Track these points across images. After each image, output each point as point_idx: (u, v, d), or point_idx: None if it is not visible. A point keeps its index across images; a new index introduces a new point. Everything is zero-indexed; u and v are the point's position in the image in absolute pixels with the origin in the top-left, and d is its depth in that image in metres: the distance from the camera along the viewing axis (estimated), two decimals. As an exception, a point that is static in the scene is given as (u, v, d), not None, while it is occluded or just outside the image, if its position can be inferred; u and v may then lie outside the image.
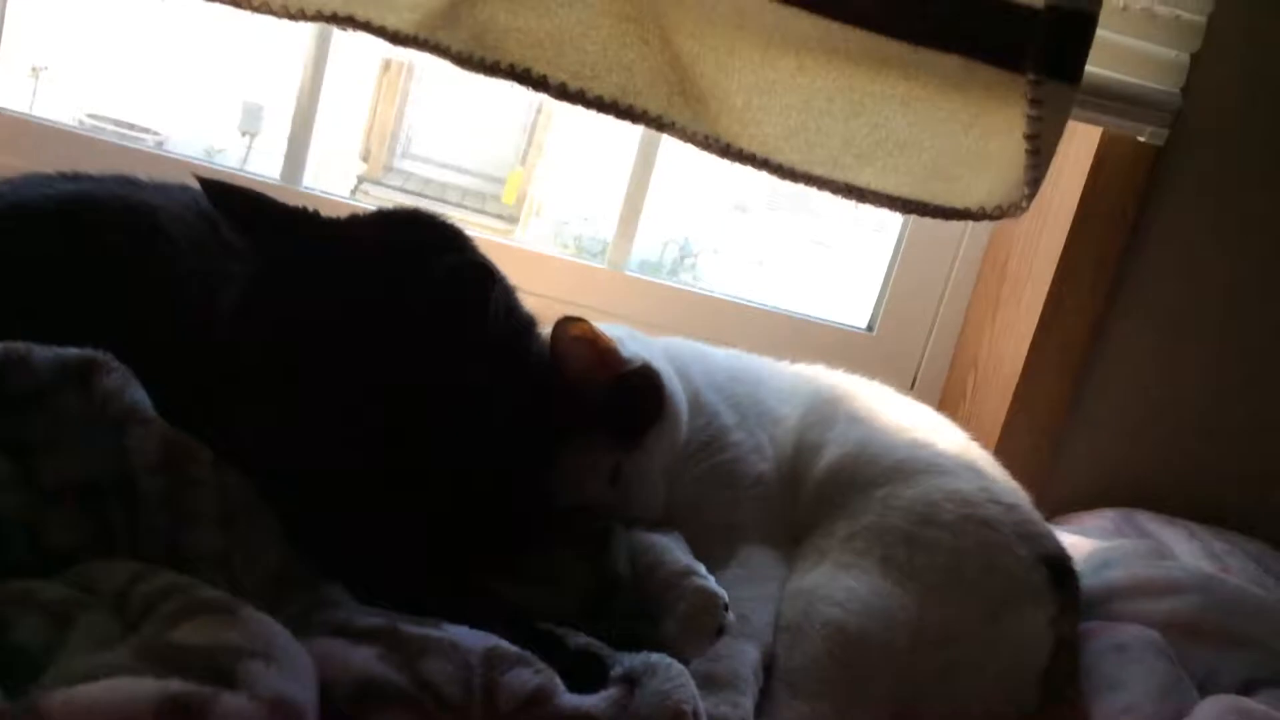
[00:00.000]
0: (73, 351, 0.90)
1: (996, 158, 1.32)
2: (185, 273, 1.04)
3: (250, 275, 0.97)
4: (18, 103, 1.69)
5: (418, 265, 0.93)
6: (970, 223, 1.38)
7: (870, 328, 1.77)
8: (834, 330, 1.77)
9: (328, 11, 1.26)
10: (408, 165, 5.01)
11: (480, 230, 1.76)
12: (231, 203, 0.99)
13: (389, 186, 4.87)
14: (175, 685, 0.64)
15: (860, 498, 1.19)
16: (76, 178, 1.15)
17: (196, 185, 1.06)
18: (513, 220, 4.49)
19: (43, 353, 0.89)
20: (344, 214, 1.05)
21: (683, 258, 4.40)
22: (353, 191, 4.50)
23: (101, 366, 0.89)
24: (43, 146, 1.62)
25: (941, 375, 1.75)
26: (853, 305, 1.83)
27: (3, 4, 1.63)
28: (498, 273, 1.00)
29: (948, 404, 1.71)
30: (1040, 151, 1.28)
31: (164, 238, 1.05)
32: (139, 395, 0.89)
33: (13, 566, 0.82)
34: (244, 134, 4.34)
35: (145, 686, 0.63)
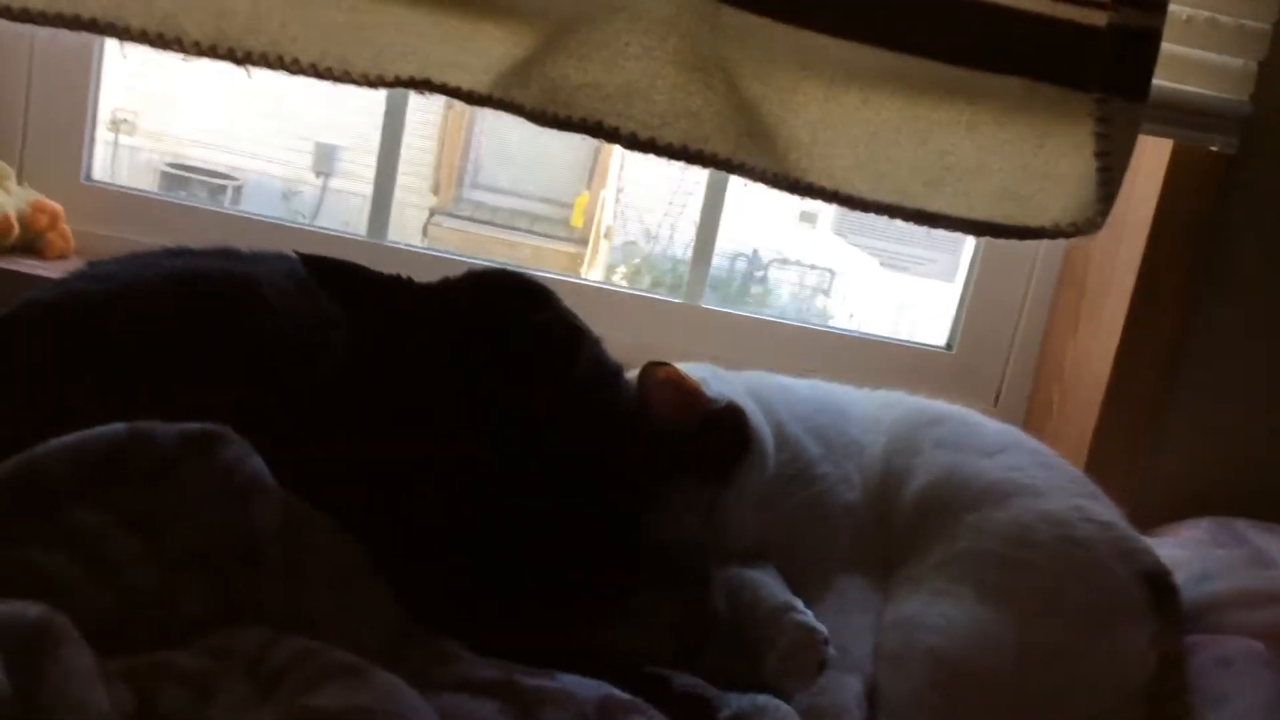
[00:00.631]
0: (194, 426, 0.94)
1: (1068, 177, 1.32)
2: (289, 343, 1.09)
3: (351, 345, 1.02)
4: (100, 154, 1.77)
5: (509, 327, 0.97)
6: (1045, 240, 1.38)
7: (949, 346, 1.78)
8: (913, 351, 1.78)
9: (405, 77, 1.31)
10: (477, 195, 5.10)
11: (550, 254, 1.79)
12: (332, 277, 1.04)
13: (460, 217, 4.96)
14: (317, 750, 0.68)
15: (952, 523, 1.20)
16: (180, 253, 1.21)
17: (291, 254, 1.12)
18: (582, 243, 4.54)
19: (165, 429, 0.94)
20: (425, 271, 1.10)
21: (752, 271, 4.41)
22: (425, 225, 4.60)
23: (222, 439, 0.94)
24: (134, 211, 1.71)
25: (1025, 392, 1.74)
26: (929, 320, 1.83)
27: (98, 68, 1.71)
28: (585, 328, 1.04)
29: (1033, 421, 1.71)
30: (1111, 169, 1.28)
31: (267, 309, 1.10)
32: (258, 465, 0.93)
33: (151, 637, 0.87)
34: (318, 174, 4.47)
35: (291, 753, 0.68)
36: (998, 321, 1.74)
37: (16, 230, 1.65)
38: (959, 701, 1.05)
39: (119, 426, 0.92)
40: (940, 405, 1.37)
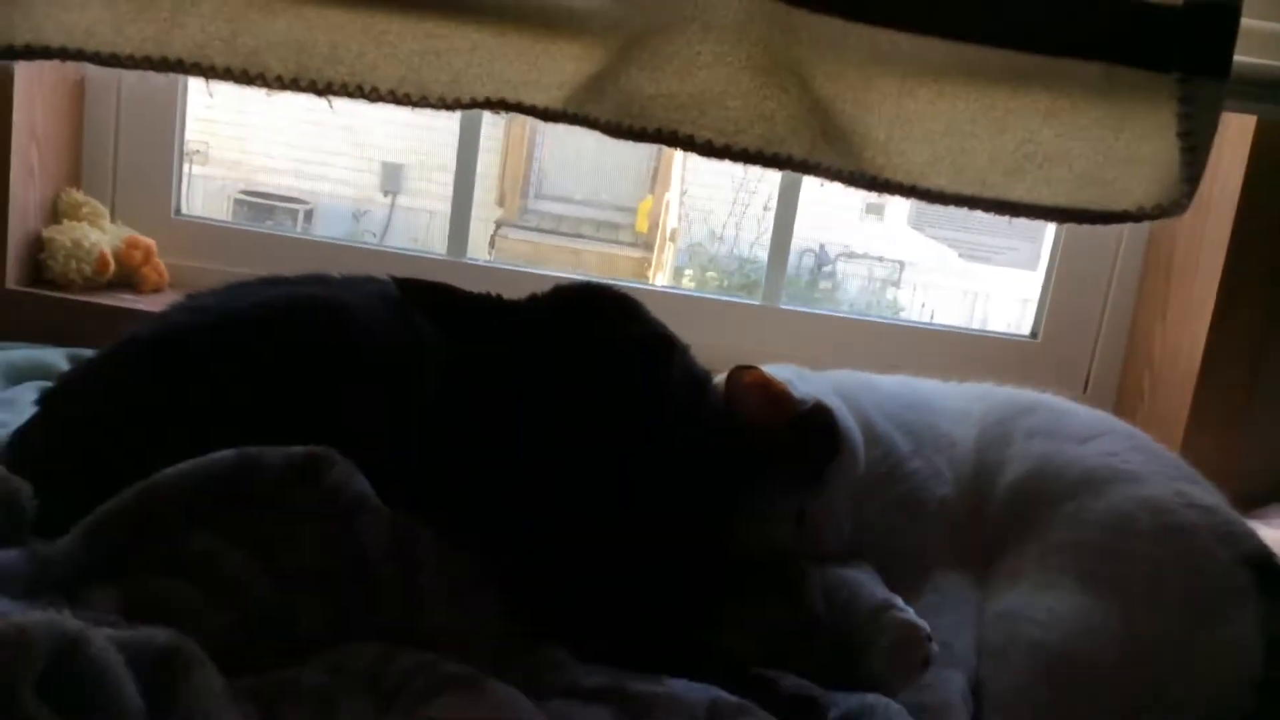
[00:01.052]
0: (299, 450, 0.97)
1: (1151, 159, 1.30)
2: (385, 365, 1.11)
3: (444, 364, 1.04)
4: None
5: (599, 342, 0.98)
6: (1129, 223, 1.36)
7: (1034, 335, 1.76)
8: (997, 341, 1.77)
9: (481, 98, 1.34)
10: (542, 205, 5.16)
11: (617, 259, 1.81)
12: (423, 298, 1.06)
13: (525, 228, 5.02)
14: (440, 761, 0.70)
15: (1049, 513, 1.19)
16: (275, 281, 1.24)
17: (383, 277, 1.15)
18: (647, 248, 4.56)
19: (273, 453, 0.96)
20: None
21: (819, 265, 4.38)
22: (492, 237, 4.65)
23: (326, 461, 0.96)
24: (220, 242, 1.76)
25: (1115, 377, 1.72)
26: (1010, 309, 1.81)
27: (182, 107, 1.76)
28: (674, 337, 1.05)
29: (1125, 406, 1.69)
30: (1195, 149, 1.26)
31: (361, 332, 1.13)
32: (363, 485, 0.95)
33: (271, 656, 0.90)
34: (385, 194, 4.54)
35: (416, 765, 0.69)
36: (1084, 308, 1.72)
37: (113, 266, 1.71)
38: (1065, 694, 1.04)
39: (228, 453, 0.95)
40: (1030, 394, 1.36)
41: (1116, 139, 1.31)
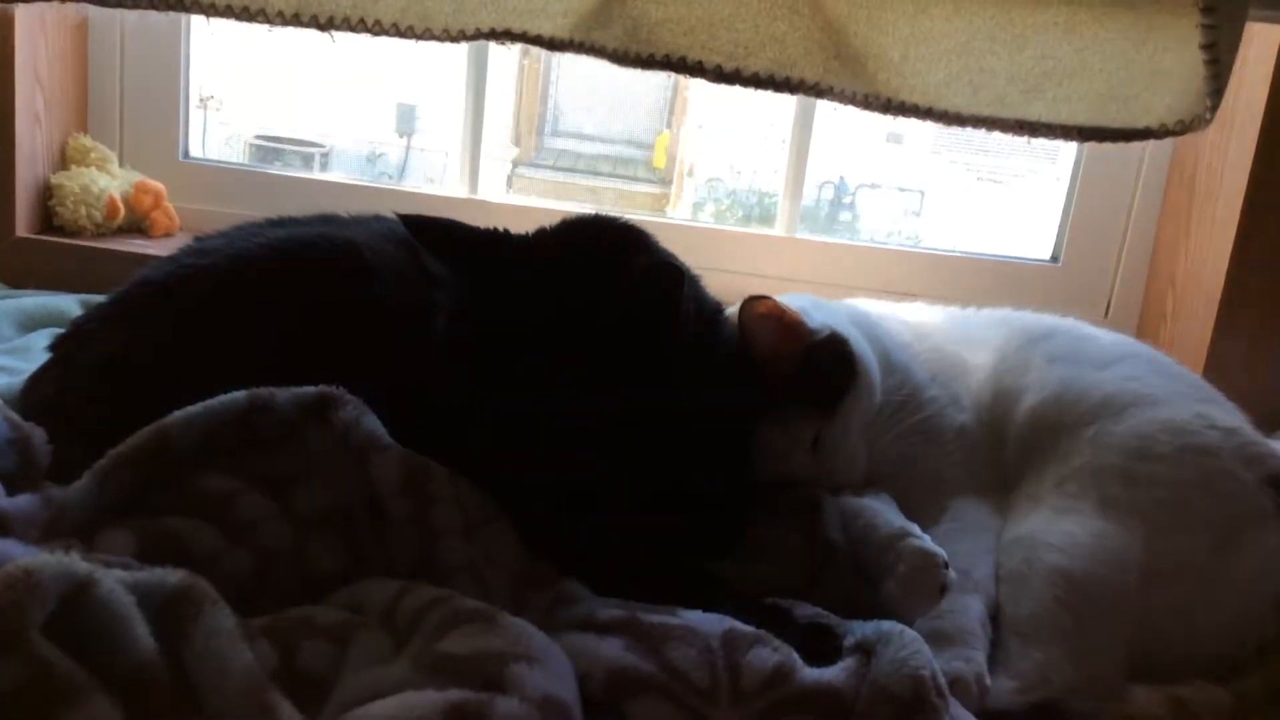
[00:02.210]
0: (310, 390, 0.97)
1: (1173, 73, 1.27)
2: (393, 302, 1.11)
3: (453, 300, 1.03)
4: (193, 133, 1.82)
5: (608, 273, 0.97)
6: (1151, 141, 1.33)
7: (1055, 259, 1.73)
8: (1017, 266, 1.74)
9: (485, 29, 1.31)
10: (558, 143, 5.12)
11: (635, 196, 1.79)
12: (431, 234, 1.05)
13: (542, 166, 4.98)
14: (455, 694, 0.70)
15: (1069, 439, 1.18)
16: (283, 223, 1.23)
17: (390, 214, 1.14)
18: (665, 183, 4.52)
19: (284, 394, 0.96)
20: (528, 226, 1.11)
21: (839, 198, 4.34)
22: (509, 176, 4.62)
23: (337, 401, 0.96)
24: (230, 184, 1.75)
25: (1137, 300, 1.69)
26: (1030, 236, 1.79)
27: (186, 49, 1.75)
28: (684, 268, 1.03)
29: (1147, 328, 1.66)
30: (1219, 61, 1.22)
31: (370, 272, 1.12)
32: (374, 424, 0.95)
33: (287, 594, 0.90)
34: (401, 135, 4.51)
35: (430, 699, 0.69)
36: (1105, 230, 1.69)
37: (123, 212, 1.71)
38: (1084, 619, 1.04)
39: (239, 395, 0.95)
40: (1050, 319, 1.34)
41: (1138, 53, 1.27)
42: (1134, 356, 1.27)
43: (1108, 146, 1.32)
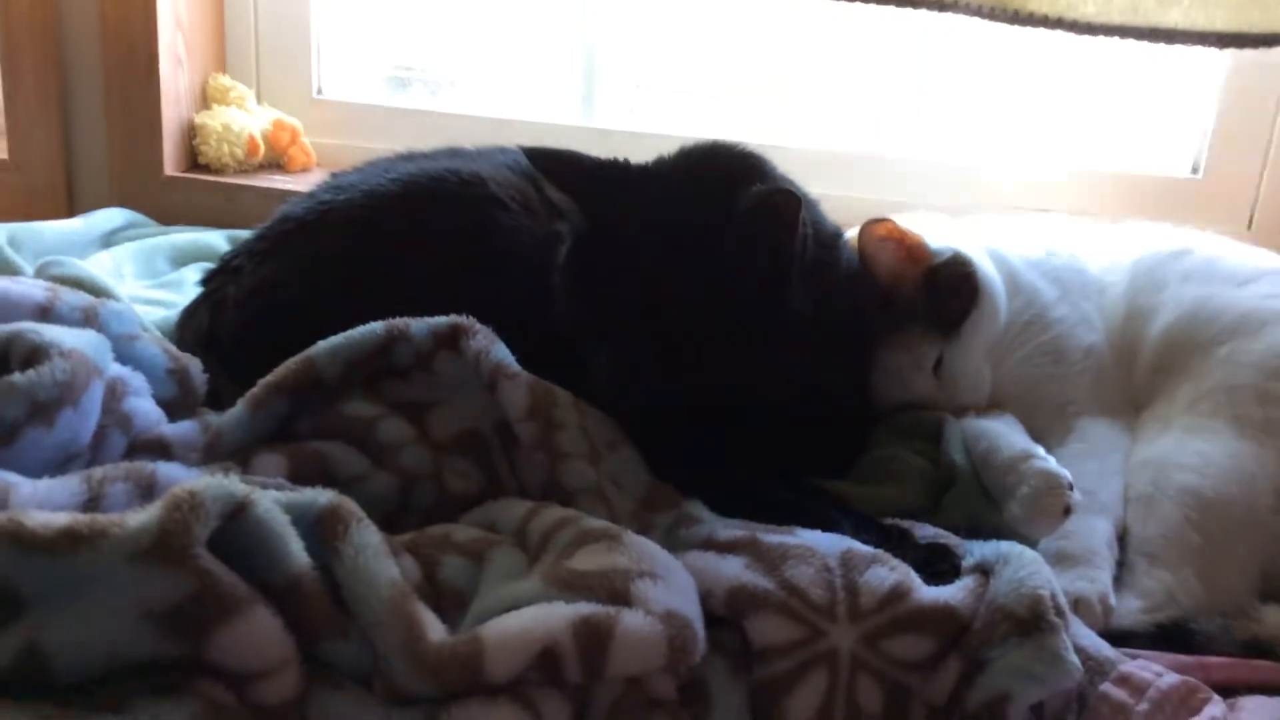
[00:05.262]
0: (441, 320, 1.00)
1: (1324, -29, 1.20)
2: (518, 232, 1.14)
3: (576, 229, 1.06)
4: (328, 70, 1.88)
5: (726, 200, 0.98)
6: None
7: (1196, 171, 1.66)
8: (1156, 180, 1.67)
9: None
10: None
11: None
12: (552, 166, 1.07)
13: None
14: (584, 608, 0.74)
15: (1202, 358, 1.15)
16: (411, 157, 1.27)
17: (510, 148, 1.16)
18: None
19: (418, 324, 1.00)
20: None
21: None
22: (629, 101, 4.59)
23: (467, 330, 1.00)
24: (362, 119, 1.81)
25: (1281, 212, 1.61)
26: (1169, 148, 1.71)
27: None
28: (801, 192, 1.04)
29: (1292, 245, 1.58)
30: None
31: (496, 203, 1.15)
32: (503, 352, 0.99)
33: (426, 514, 0.96)
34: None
35: (561, 611, 0.73)
36: (1249, 141, 1.61)
37: (263, 149, 1.78)
38: (1215, 540, 1.02)
39: (377, 325, 1.00)
40: (1186, 235, 1.30)
41: (1284, -48, 1.20)
42: (1273, 274, 1.22)
43: (1250, 53, 1.26)
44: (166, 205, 1.69)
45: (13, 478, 0.79)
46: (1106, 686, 0.83)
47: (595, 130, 1.78)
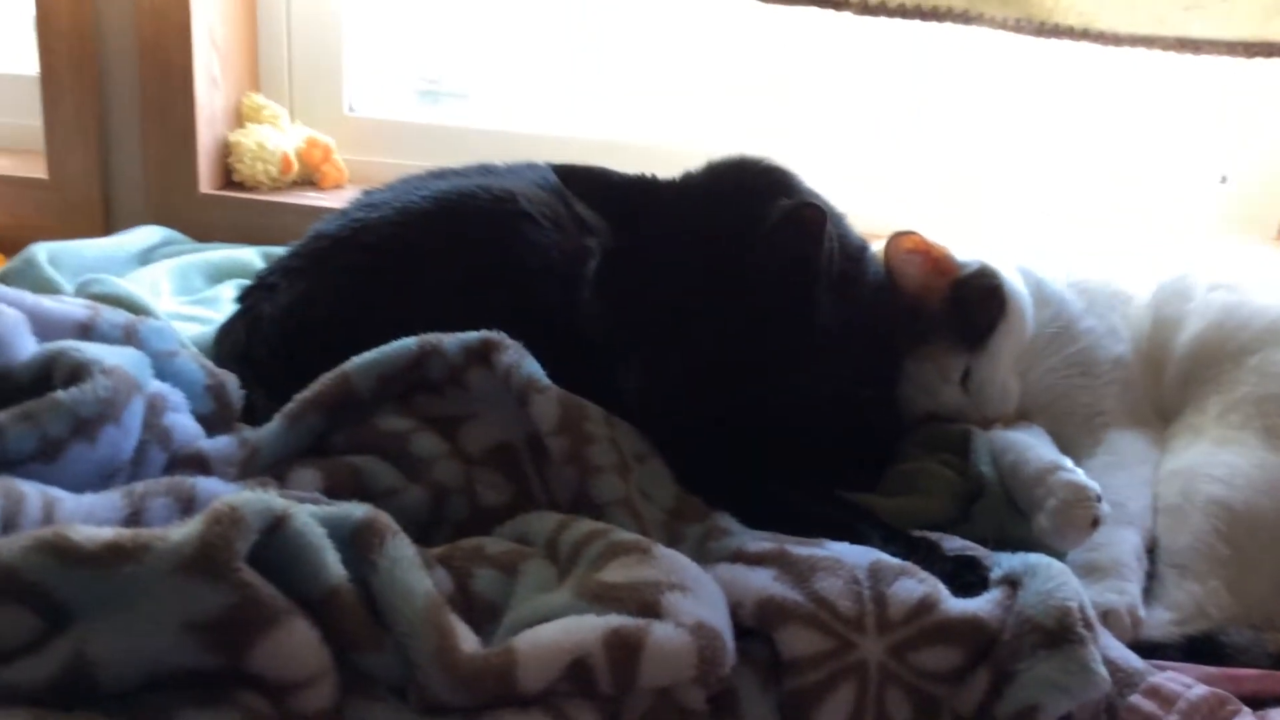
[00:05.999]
0: (473, 335, 1.02)
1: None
2: (548, 248, 1.15)
3: (604, 245, 1.07)
4: (359, 86, 1.90)
5: (753, 215, 0.99)
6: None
7: (1223, 179, 1.65)
8: (1183, 189, 1.66)
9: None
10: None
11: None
12: (581, 182, 1.09)
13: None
14: (615, 619, 0.75)
15: (1232, 368, 1.15)
16: (443, 174, 1.29)
17: (540, 164, 1.18)
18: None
19: (450, 339, 1.02)
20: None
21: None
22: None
23: (498, 345, 1.01)
24: (393, 136, 1.83)
25: (1310, 220, 1.60)
26: (1195, 156, 1.70)
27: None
28: (828, 206, 1.05)
29: (1321, 250, 1.58)
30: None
31: (527, 219, 1.17)
32: (533, 366, 1.00)
33: (458, 526, 0.97)
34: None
35: (593, 623, 0.74)
36: (1276, 150, 1.60)
37: (296, 166, 1.80)
38: (1245, 552, 1.02)
39: (410, 341, 1.01)
40: (1212, 242, 1.30)
41: (1309, -39, 1.20)
42: (1303, 281, 1.22)
43: (1277, 61, 1.26)
44: (202, 222, 1.72)
45: (57, 493, 0.81)
46: (1135, 698, 0.83)
47: (615, 144, 1.79)
